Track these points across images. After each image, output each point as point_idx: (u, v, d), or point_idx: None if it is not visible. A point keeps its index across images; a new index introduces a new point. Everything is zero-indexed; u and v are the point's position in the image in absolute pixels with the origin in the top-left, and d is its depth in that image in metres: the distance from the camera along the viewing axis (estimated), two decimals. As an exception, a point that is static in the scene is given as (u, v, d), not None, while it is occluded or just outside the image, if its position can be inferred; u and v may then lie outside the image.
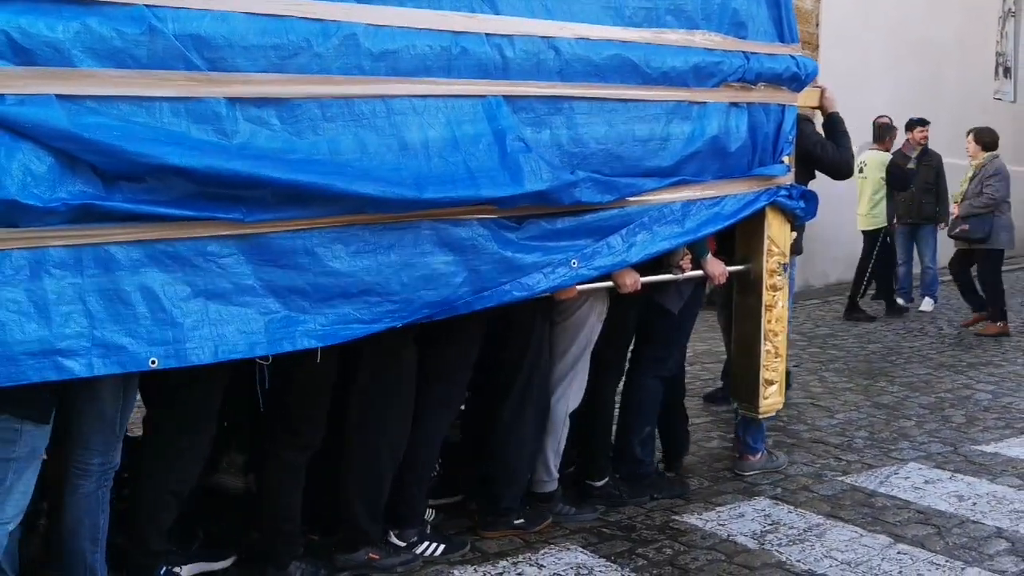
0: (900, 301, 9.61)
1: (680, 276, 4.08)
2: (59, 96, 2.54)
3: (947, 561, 3.74)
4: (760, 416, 4.47)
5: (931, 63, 12.41)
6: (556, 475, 4.09)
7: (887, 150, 9.16)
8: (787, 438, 5.30)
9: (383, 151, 3.07)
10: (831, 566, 3.68)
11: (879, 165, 9.02)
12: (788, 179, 4.26)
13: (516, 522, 3.94)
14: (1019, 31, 14.37)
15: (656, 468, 4.48)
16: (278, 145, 2.89)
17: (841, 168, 4.65)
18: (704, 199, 3.92)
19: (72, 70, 2.56)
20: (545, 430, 3.99)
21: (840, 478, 4.67)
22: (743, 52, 3.95)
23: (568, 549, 3.83)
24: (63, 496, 3.05)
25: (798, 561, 3.73)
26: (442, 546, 3.76)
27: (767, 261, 4.28)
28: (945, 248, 9.54)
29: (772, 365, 4.39)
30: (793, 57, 4.15)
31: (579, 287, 3.71)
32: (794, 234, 4.42)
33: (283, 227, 2.93)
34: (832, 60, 4.22)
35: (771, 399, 4.43)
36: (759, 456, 4.67)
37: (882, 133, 9.16)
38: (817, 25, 4.28)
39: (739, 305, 4.42)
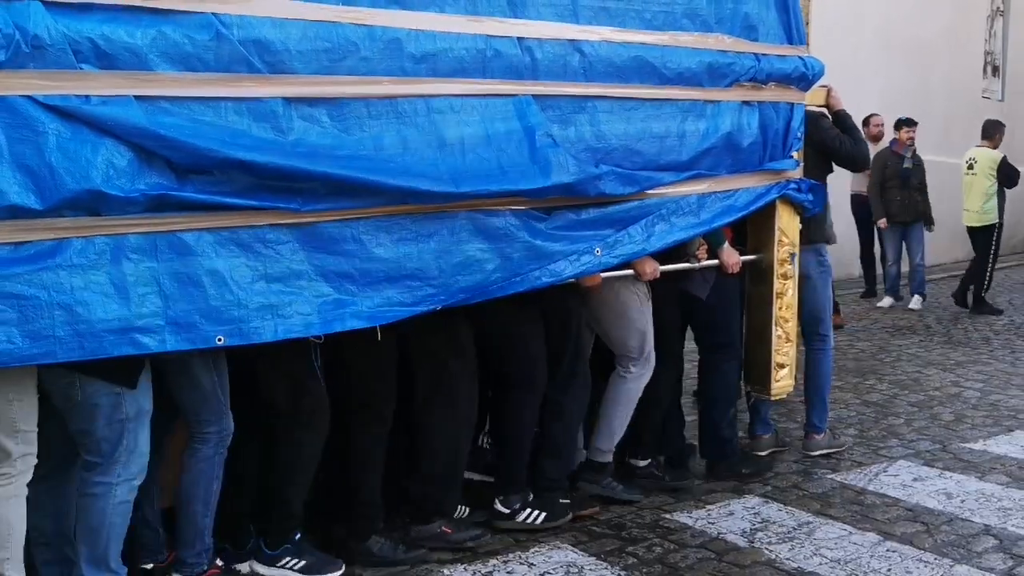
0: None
1: (697, 265, 4.37)
2: (137, 97, 2.84)
3: (936, 559, 3.81)
4: (772, 398, 4.76)
5: (920, 62, 12.63)
6: (613, 448, 4.38)
7: (995, 147, 9.32)
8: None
9: (423, 147, 3.36)
10: (821, 564, 3.75)
11: (990, 162, 9.19)
12: (797, 173, 4.54)
13: (561, 501, 4.20)
14: (1007, 30, 14.60)
15: (738, 447, 4.80)
16: (328, 141, 3.18)
17: (857, 160, 4.95)
18: (718, 192, 4.21)
19: (149, 73, 2.85)
20: (608, 395, 4.31)
21: (830, 476, 4.76)
22: (754, 54, 4.24)
23: (558, 548, 3.90)
24: (182, 459, 3.36)
25: (788, 559, 3.80)
26: (544, 514, 4.05)
27: (777, 251, 4.56)
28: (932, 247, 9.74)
29: (783, 350, 4.67)
30: (801, 58, 4.44)
31: (606, 274, 3.99)
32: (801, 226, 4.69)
33: (333, 216, 3.22)
34: (822, 59, 4.47)
35: (782, 382, 4.72)
36: (824, 435, 5.02)
37: (991, 130, 9.34)
38: (807, 24, 4.53)
39: (751, 293, 4.71)
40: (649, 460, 4.58)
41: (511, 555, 3.80)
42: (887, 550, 3.88)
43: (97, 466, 3.08)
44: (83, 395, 3.00)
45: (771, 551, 3.87)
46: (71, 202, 2.75)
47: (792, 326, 4.70)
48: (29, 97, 2.68)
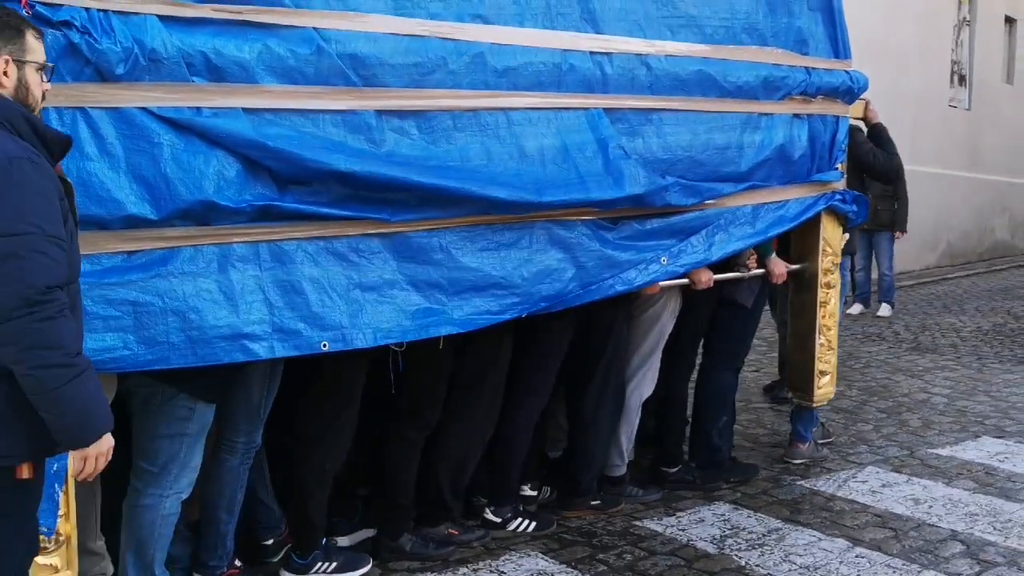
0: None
1: (747, 274, 4.51)
2: (245, 109, 2.94)
3: (904, 564, 3.84)
4: (815, 405, 4.91)
5: (889, 71, 12.81)
6: (627, 460, 4.51)
7: None
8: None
9: (505, 158, 3.49)
10: (790, 570, 3.77)
11: None
12: (841, 184, 4.70)
13: (593, 503, 4.35)
14: (973, 39, 14.88)
15: (729, 455, 4.88)
16: (417, 153, 3.30)
17: (890, 174, 5.12)
18: (771, 203, 4.36)
19: (255, 86, 2.96)
20: (620, 418, 4.39)
21: (799, 482, 4.79)
22: (805, 67, 4.40)
23: (528, 555, 3.92)
24: (209, 468, 3.43)
25: (757, 565, 3.82)
26: (533, 523, 4.16)
27: (822, 261, 4.72)
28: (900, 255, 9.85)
29: (825, 357, 4.83)
30: (847, 72, 4.61)
31: (661, 284, 4.13)
32: (846, 235, 4.85)
33: (421, 226, 3.33)
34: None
35: (824, 389, 4.87)
36: (808, 445, 5.11)
37: None
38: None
39: (795, 302, 4.86)
40: (679, 466, 4.71)
41: (481, 563, 3.83)
42: (856, 556, 3.92)
43: (151, 476, 3.16)
44: (162, 402, 3.09)
45: (741, 558, 3.90)
46: (184, 212, 2.85)
47: (834, 334, 4.86)
48: (145, 109, 2.78)
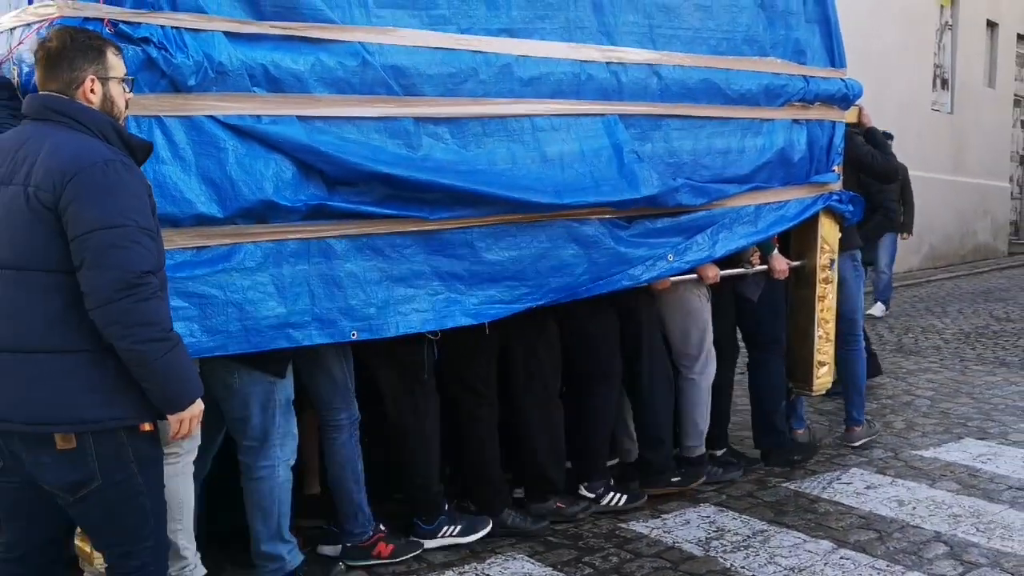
0: None
1: (751, 270, 4.85)
2: (299, 117, 3.25)
3: (888, 566, 3.91)
4: (813, 394, 5.26)
5: (872, 75, 13.10)
6: (703, 441, 4.85)
7: None
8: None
9: (529, 162, 3.81)
10: (775, 572, 3.84)
11: None
12: (838, 186, 5.04)
13: (673, 479, 4.70)
14: (956, 43, 15.24)
15: (790, 436, 5.26)
16: (450, 157, 3.62)
17: (889, 174, 5.49)
18: (772, 203, 4.69)
19: (308, 96, 3.28)
20: (685, 396, 4.76)
21: (784, 484, 4.88)
22: (803, 76, 4.74)
23: (514, 558, 3.98)
24: (325, 452, 3.80)
25: (743, 567, 3.89)
26: (624, 496, 4.50)
27: (819, 257, 5.05)
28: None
29: (824, 349, 5.17)
30: (843, 80, 4.95)
31: (673, 279, 4.46)
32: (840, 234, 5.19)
33: (454, 224, 3.65)
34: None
35: (823, 379, 5.22)
36: (862, 427, 5.53)
37: None
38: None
39: (795, 297, 5.19)
40: (724, 449, 5.08)
41: (467, 566, 3.91)
42: (840, 558, 4.00)
43: (256, 451, 3.50)
44: (240, 384, 3.41)
45: (726, 559, 3.97)
46: (246, 211, 3.16)
47: (832, 327, 5.20)
48: (212, 117, 3.09)
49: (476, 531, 4.07)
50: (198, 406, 2.58)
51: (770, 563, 3.94)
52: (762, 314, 5.06)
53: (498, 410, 4.21)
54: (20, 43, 2.95)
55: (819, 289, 5.09)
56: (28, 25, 2.97)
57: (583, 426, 4.46)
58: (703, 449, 4.86)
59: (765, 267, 4.92)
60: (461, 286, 3.72)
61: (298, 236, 3.31)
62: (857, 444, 5.50)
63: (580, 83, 3.94)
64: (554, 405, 4.34)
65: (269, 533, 3.53)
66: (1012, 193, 17.42)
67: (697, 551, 4.06)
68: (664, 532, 4.27)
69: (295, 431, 3.58)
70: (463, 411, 4.18)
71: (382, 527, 3.93)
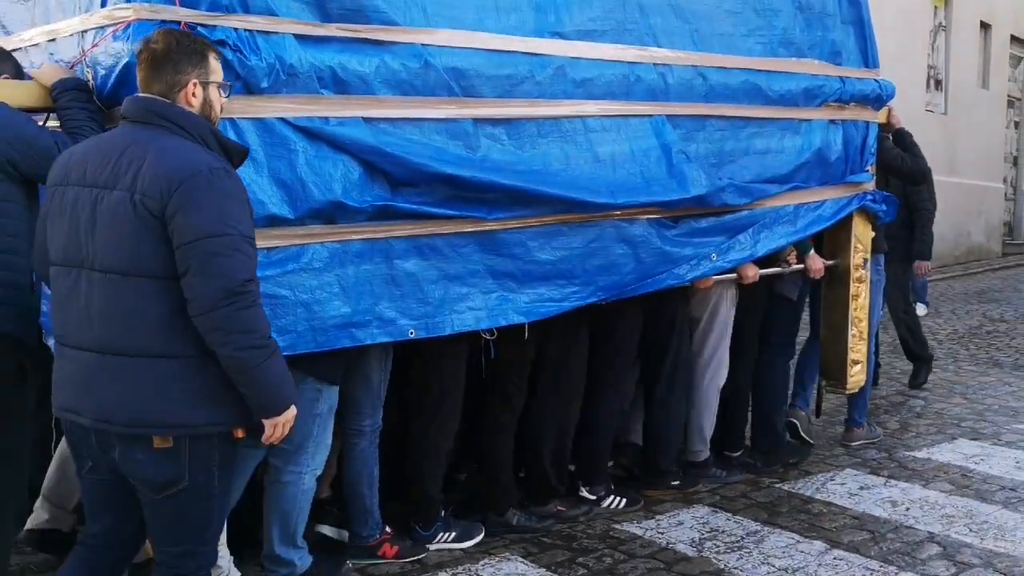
0: None
1: (788, 269, 4.92)
2: (364, 118, 3.28)
3: (881, 566, 3.93)
4: (848, 391, 5.32)
5: None
6: (708, 445, 4.90)
7: None
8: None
9: (582, 163, 3.85)
10: (769, 572, 3.85)
11: None
12: (871, 185, 5.12)
13: (673, 483, 4.74)
14: (949, 45, 15.38)
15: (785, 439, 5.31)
16: (507, 157, 3.66)
17: (916, 175, 5.56)
18: (810, 203, 4.76)
19: (373, 97, 3.31)
20: (692, 400, 4.79)
21: (777, 485, 4.89)
22: (840, 77, 4.81)
23: (508, 559, 3.98)
24: (344, 456, 3.81)
25: (736, 568, 3.90)
26: (624, 500, 4.54)
27: (853, 257, 5.12)
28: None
29: (857, 347, 5.23)
30: (876, 80, 5.03)
31: (714, 278, 4.51)
32: (873, 234, 5.26)
33: (510, 224, 3.69)
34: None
35: (856, 376, 5.28)
36: (863, 429, 5.60)
37: None
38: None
39: (828, 296, 5.25)
40: (741, 450, 5.11)
41: (461, 568, 3.91)
42: (834, 558, 4.01)
43: (288, 455, 3.50)
44: None
45: (720, 560, 3.99)
46: (316, 212, 3.19)
47: (865, 325, 5.26)
48: (283, 119, 3.12)
49: (471, 537, 4.09)
50: (291, 412, 2.61)
51: (764, 564, 3.96)
52: (783, 316, 5.11)
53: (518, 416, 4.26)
54: (94, 46, 2.97)
55: (853, 288, 5.15)
56: (102, 28, 2.98)
57: (589, 430, 4.49)
58: (707, 454, 4.91)
59: (801, 266, 4.98)
60: (513, 284, 3.75)
61: (362, 237, 3.33)
62: (854, 445, 5.54)
63: (629, 84, 3.99)
64: (573, 411, 4.38)
65: (284, 538, 3.54)
66: (1006, 194, 17.57)
67: (691, 552, 4.08)
68: (658, 533, 4.28)
69: (329, 442, 3.61)
70: (488, 415, 4.22)
71: (388, 529, 3.96)
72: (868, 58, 5.01)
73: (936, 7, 15.20)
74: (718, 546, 4.13)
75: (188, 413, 2.47)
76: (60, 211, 2.55)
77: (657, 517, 4.45)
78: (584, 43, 3.85)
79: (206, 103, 2.62)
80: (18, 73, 3.11)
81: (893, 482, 4.97)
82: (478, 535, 4.11)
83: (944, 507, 4.62)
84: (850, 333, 5.18)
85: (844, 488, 4.87)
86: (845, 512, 4.55)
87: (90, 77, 3.01)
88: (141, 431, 2.46)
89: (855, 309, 5.18)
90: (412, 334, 3.50)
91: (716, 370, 4.82)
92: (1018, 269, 15.16)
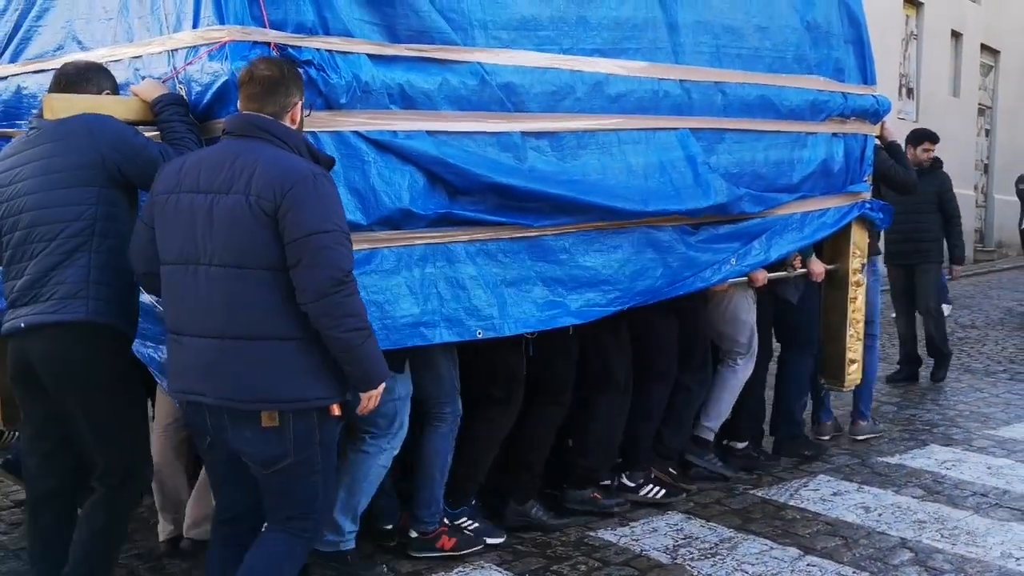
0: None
1: (793, 273, 5.31)
2: (428, 132, 3.61)
3: (854, 572, 4.04)
4: (844, 389, 5.73)
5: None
6: (716, 430, 5.27)
7: None
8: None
9: (616, 173, 4.20)
10: None
11: None
12: (868, 194, 5.52)
13: (671, 469, 5.08)
14: (921, 53, 15.89)
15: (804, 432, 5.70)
16: (551, 168, 3.99)
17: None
18: (815, 211, 5.15)
19: (436, 112, 3.63)
20: (713, 386, 5.19)
21: (751, 491, 5.03)
22: (842, 93, 5.21)
23: (482, 567, 4.06)
24: (424, 438, 4.12)
25: (710, 574, 4.00)
26: (663, 490, 4.88)
27: (852, 261, 5.52)
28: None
29: (854, 347, 5.63)
30: (874, 96, 5.43)
31: (729, 282, 4.88)
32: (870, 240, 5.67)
33: (553, 231, 4.03)
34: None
35: (853, 375, 5.68)
36: (867, 423, 6.02)
37: None
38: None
39: (827, 298, 5.65)
40: (746, 443, 5.48)
41: (434, 575, 4.02)
42: (807, 564, 4.11)
43: (380, 428, 3.84)
44: None
45: (693, 567, 4.07)
46: (385, 219, 3.51)
47: (861, 327, 5.67)
48: (357, 132, 3.43)
49: (492, 537, 4.31)
50: (382, 386, 2.99)
51: (737, 570, 4.06)
52: (802, 316, 5.51)
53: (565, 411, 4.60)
54: (189, 63, 3.27)
55: (851, 291, 5.55)
56: (194, 48, 3.28)
57: (634, 420, 4.85)
58: (711, 436, 5.27)
59: (804, 271, 5.37)
60: (562, 290, 4.07)
61: (424, 242, 3.65)
62: (861, 438, 5.95)
63: (658, 99, 4.34)
64: (620, 406, 4.73)
65: (346, 506, 3.84)
66: (977, 201, 18.10)
67: (665, 559, 4.18)
68: (632, 540, 4.38)
69: (407, 425, 3.93)
70: (534, 410, 4.53)
71: (445, 520, 4.26)
72: (867, 75, 5.41)
73: (908, 16, 15.67)
74: (692, 553, 4.24)
75: (296, 390, 2.83)
76: (174, 215, 2.88)
77: (631, 524, 4.56)
78: (619, 61, 4.19)
79: (300, 121, 3.01)
80: (115, 89, 3.40)
81: (866, 488, 5.12)
82: (498, 538, 4.34)
83: (916, 513, 4.75)
84: (848, 334, 5.58)
85: (817, 494, 5.01)
86: (818, 518, 4.67)
87: (183, 92, 3.31)
88: (259, 406, 2.81)
89: (853, 311, 5.58)
90: (480, 334, 3.81)
91: (749, 360, 5.20)
92: (989, 276, 15.53)
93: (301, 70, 3.22)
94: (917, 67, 15.90)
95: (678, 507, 4.79)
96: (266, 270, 2.78)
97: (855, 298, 5.58)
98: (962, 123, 17.14)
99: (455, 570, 4.03)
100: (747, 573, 4.04)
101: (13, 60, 4.24)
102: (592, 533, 4.45)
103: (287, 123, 2.93)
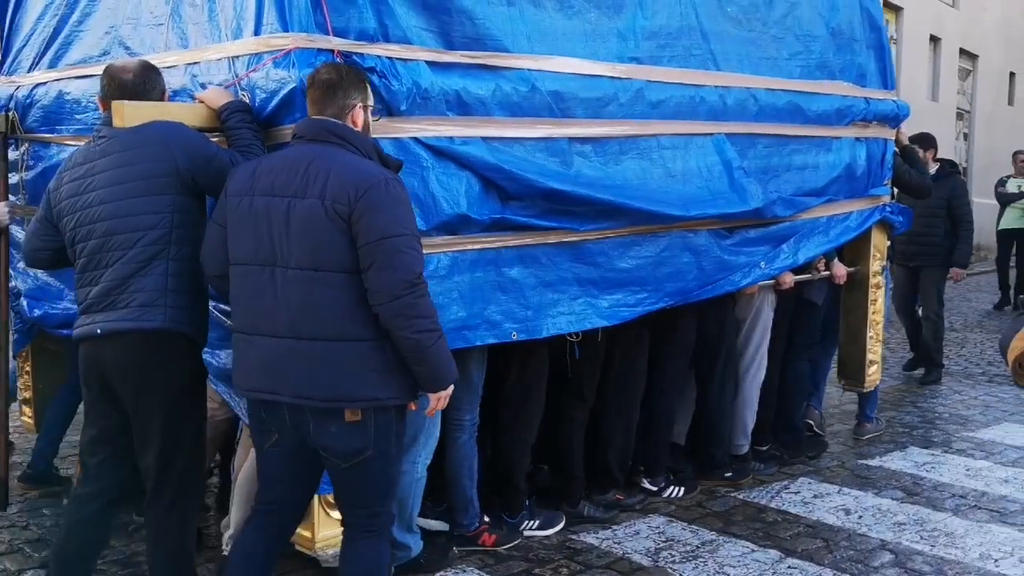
0: None
1: (817, 276, 5.37)
2: (483, 138, 3.63)
3: (835, 574, 4.05)
4: (865, 390, 5.80)
5: None
6: (749, 439, 5.32)
7: None
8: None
9: (657, 178, 4.24)
10: None
11: None
12: (888, 198, 5.60)
13: (726, 475, 5.16)
14: (899, 58, 15.96)
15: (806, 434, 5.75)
16: (596, 173, 4.03)
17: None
18: (840, 214, 5.22)
19: (490, 119, 3.66)
20: (738, 398, 5.21)
21: (733, 494, 5.01)
22: (865, 98, 5.28)
23: (464, 571, 4.03)
24: (446, 449, 4.13)
25: None
26: (682, 489, 4.95)
27: (872, 264, 5.60)
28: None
29: (874, 348, 5.71)
30: (894, 101, 5.51)
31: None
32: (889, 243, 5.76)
33: (595, 235, 4.06)
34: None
35: (873, 375, 5.77)
36: (872, 424, 6.08)
37: None
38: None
39: (847, 300, 5.72)
40: (769, 445, 5.55)
41: None
42: (788, 567, 4.11)
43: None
44: None
45: (675, 570, 4.06)
46: (444, 224, 3.53)
47: (881, 328, 5.75)
48: (416, 139, 3.45)
49: (554, 525, 4.46)
50: (451, 387, 3.02)
51: (719, 573, 4.06)
52: (808, 319, 5.57)
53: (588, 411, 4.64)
54: (254, 70, 3.28)
55: (871, 293, 5.63)
56: (257, 55, 3.29)
57: (651, 425, 4.91)
58: (748, 447, 5.33)
59: (828, 273, 5.45)
60: (595, 291, 4.11)
61: (476, 247, 3.67)
62: (865, 438, 6.03)
63: (695, 105, 4.39)
64: (636, 409, 4.78)
65: (402, 524, 3.85)
66: (955, 203, 18.32)
67: (646, 562, 4.16)
68: (614, 543, 4.36)
69: (437, 433, 3.94)
70: (563, 413, 4.58)
71: (486, 518, 4.31)
72: (887, 80, 5.49)
73: (887, 20, 15.85)
74: (674, 556, 4.23)
75: (375, 388, 2.87)
76: (248, 217, 2.90)
77: (613, 527, 4.55)
78: (658, 68, 4.24)
79: (365, 124, 3.03)
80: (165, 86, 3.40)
81: (846, 490, 5.12)
82: (560, 523, 4.46)
83: (896, 515, 4.76)
84: (868, 335, 5.66)
85: (798, 497, 5.01)
86: (799, 520, 4.67)
87: (246, 99, 3.31)
88: (337, 405, 2.84)
89: (873, 313, 5.66)
90: (515, 336, 3.84)
91: (758, 369, 5.25)
92: (968, 278, 15.64)
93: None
94: (896, 71, 16.01)
95: (660, 510, 4.80)
96: (340, 272, 2.81)
97: (875, 300, 5.66)
98: (940, 127, 17.21)
99: (437, 574, 4.02)
100: (728, 575, 4.07)
101: (53, 66, 4.24)
102: (574, 536, 4.44)
103: (349, 125, 2.96)
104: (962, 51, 18.27)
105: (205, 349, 3.39)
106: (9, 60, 4.55)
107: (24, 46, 4.43)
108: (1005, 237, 12.18)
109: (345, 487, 3.01)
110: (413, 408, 3.00)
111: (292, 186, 2.84)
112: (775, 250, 4.84)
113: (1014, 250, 12.21)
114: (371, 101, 3.06)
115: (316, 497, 3.41)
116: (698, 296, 4.52)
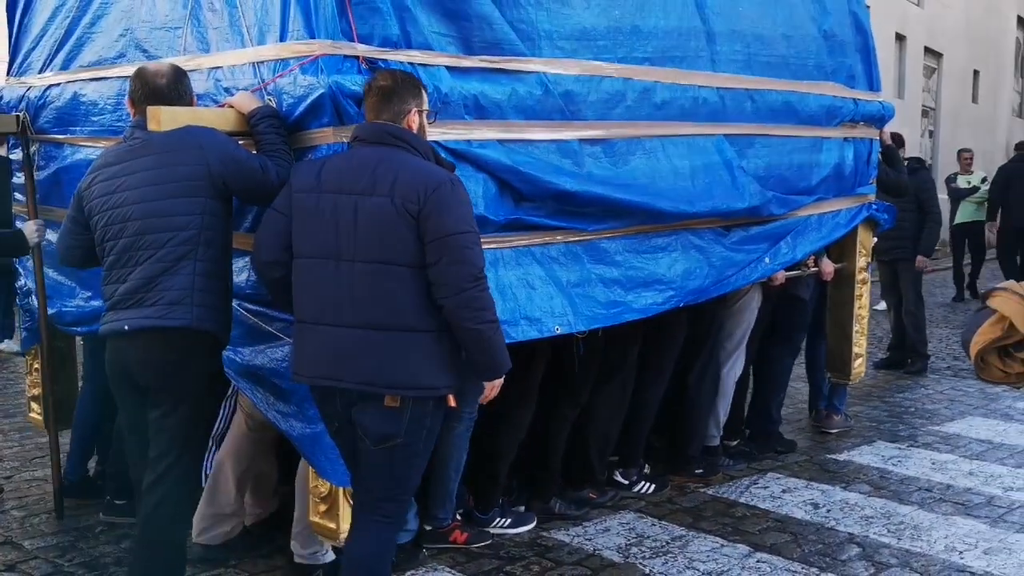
0: None
1: (807, 272, 5.52)
2: (499, 140, 3.71)
3: (803, 568, 4.10)
4: (851, 382, 5.96)
5: None
6: (721, 432, 5.43)
7: None
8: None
9: (663, 176, 4.33)
10: None
11: None
12: (873, 196, 5.76)
13: (697, 471, 5.24)
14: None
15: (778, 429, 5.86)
16: (605, 173, 4.11)
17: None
18: (830, 212, 5.35)
19: (506, 122, 3.73)
20: (716, 394, 5.32)
21: (702, 489, 5.08)
22: (853, 99, 5.42)
23: (436, 570, 4.07)
24: (440, 437, 4.13)
25: (661, 573, 4.03)
26: (653, 485, 5.04)
27: (858, 260, 5.75)
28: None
29: (860, 342, 5.86)
30: (880, 102, 5.66)
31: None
32: (874, 239, 5.92)
33: (605, 235, 4.15)
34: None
35: (859, 368, 5.92)
36: (840, 417, 6.19)
37: None
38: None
39: (834, 296, 5.87)
40: (738, 440, 5.69)
41: None
42: (757, 561, 4.17)
43: None
44: None
45: (645, 566, 4.11)
46: (465, 225, 3.60)
47: (866, 323, 5.90)
48: (436, 142, 3.48)
49: (525, 524, 4.50)
50: (503, 376, 3.19)
51: (688, 568, 4.11)
52: (793, 314, 5.70)
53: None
54: (280, 75, 3.34)
55: (857, 289, 5.79)
56: (283, 61, 3.35)
57: (633, 418, 4.99)
58: (719, 440, 5.45)
59: (816, 269, 5.59)
60: (621, 290, 4.20)
61: (491, 247, 3.68)
62: (833, 431, 6.16)
63: (697, 106, 4.49)
64: (623, 407, 4.87)
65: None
66: (919, 198, 18.64)
67: (617, 558, 4.21)
68: (585, 540, 4.40)
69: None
70: (555, 411, 4.66)
71: (458, 516, 4.38)
72: (873, 82, 5.64)
73: (856, 19, 16.10)
74: (644, 551, 4.28)
75: (432, 377, 2.99)
76: (314, 212, 3.02)
77: (584, 524, 4.59)
78: (663, 69, 4.34)
79: (421, 127, 3.13)
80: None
81: (814, 484, 5.19)
82: (531, 523, 4.51)
83: (863, 508, 4.85)
84: (854, 329, 5.81)
85: (767, 491, 5.08)
86: (768, 515, 4.73)
87: (272, 103, 3.38)
88: (399, 392, 2.96)
89: (859, 308, 5.81)
90: (558, 330, 3.93)
91: (736, 362, 5.38)
92: (933, 274, 15.90)
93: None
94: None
95: (630, 506, 4.85)
96: (407, 267, 2.93)
97: (860, 295, 5.81)
98: (906, 125, 17.57)
99: (407, 573, 4.02)
100: (698, 571, 4.10)
101: (65, 67, 4.26)
102: (545, 533, 4.48)
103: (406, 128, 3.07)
104: (927, 49, 18.58)
105: (228, 347, 3.46)
106: (18, 62, 4.58)
107: (34, 48, 4.46)
108: (959, 232, 12.76)
109: (369, 468, 3.09)
110: (452, 403, 3.09)
111: (359, 184, 2.97)
112: (775, 247, 4.96)
113: (967, 245, 12.62)
114: (426, 105, 3.16)
115: (340, 490, 3.49)
116: (714, 292, 4.63)
